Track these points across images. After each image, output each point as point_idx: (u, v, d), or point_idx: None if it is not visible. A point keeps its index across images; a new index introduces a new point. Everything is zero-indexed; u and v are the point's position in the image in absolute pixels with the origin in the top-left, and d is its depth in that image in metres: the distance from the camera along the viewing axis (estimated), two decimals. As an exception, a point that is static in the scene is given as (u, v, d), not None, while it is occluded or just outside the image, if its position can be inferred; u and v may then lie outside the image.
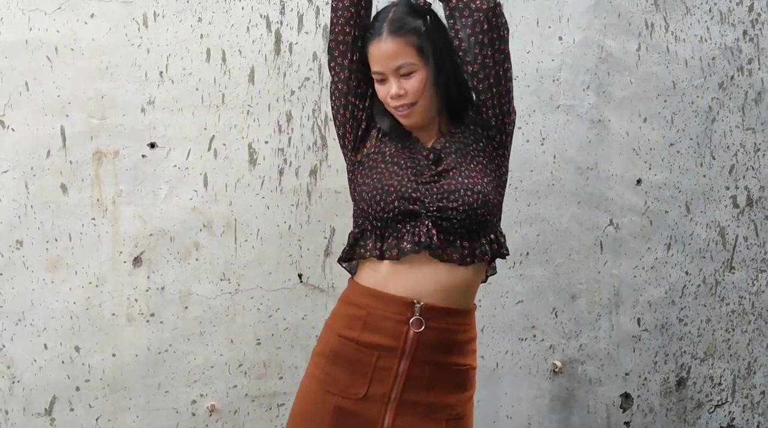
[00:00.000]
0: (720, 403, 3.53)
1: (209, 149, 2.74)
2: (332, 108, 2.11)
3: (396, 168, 2.03)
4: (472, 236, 2.01)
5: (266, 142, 2.79)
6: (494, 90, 2.03)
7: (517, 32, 3.06)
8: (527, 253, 3.15)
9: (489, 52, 2.00)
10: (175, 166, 2.70)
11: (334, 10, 2.06)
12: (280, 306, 2.84)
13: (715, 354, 3.49)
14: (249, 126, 2.77)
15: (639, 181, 3.30)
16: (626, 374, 3.33)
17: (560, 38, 3.14)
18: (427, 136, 2.09)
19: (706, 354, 3.47)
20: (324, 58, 2.81)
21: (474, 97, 2.09)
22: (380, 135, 2.10)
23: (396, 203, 1.98)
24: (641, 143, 3.29)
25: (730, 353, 3.52)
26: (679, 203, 3.38)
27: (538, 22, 3.11)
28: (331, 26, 2.07)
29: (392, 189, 1.99)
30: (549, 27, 3.13)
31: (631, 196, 3.29)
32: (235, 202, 2.77)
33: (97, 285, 2.65)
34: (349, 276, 2.16)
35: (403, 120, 2.04)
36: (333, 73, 2.09)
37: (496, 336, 3.13)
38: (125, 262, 2.68)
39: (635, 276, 3.33)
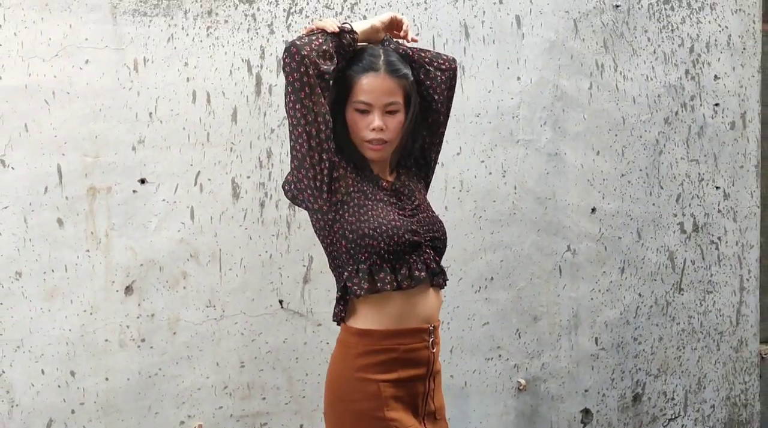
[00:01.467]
0: (673, 417, 3.68)
1: (195, 184, 2.85)
2: (298, 156, 2.11)
3: (382, 204, 2.13)
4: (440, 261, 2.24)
5: (248, 177, 2.91)
6: (442, 131, 2.32)
7: (479, 73, 3.23)
8: (491, 278, 3.29)
9: (449, 101, 2.30)
10: (164, 200, 2.81)
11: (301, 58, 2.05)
12: (262, 330, 2.95)
13: (667, 370, 3.65)
14: (232, 162, 2.89)
15: (594, 210, 3.46)
16: (586, 391, 3.47)
17: (518, 78, 3.30)
18: (383, 172, 2.23)
19: (659, 371, 3.63)
20: None
21: (426, 139, 2.32)
22: (352, 173, 2.15)
23: (406, 235, 2.10)
24: (595, 174, 3.46)
25: (682, 369, 3.68)
26: (631, 230, 3.54)
27: (497, 64, 3.27)
28: (295, 71, 2.07)
29: (398, 223, 2.10)
30: (508, 68, 3.29)
31: (587, 223, 3.45)
32: (220, 233, 2.88)
33: (91, 313, 2.75)
34: (340, 322, 2.21)
35: (373, 153, 2.14)
36: (300, 116, 2.09)
37: (463, 356, 3.26)
38: (117, 291, 2.77)
39: (592, 299, 3.48)
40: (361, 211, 2.10)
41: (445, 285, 2.24)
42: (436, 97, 2.25)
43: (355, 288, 2.09)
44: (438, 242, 2.20)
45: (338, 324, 2.23)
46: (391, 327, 2.10)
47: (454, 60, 2.33)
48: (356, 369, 2.11)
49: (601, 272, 3.49)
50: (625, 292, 3.55)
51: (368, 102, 2.12)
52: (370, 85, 2.12)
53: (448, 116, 2.34)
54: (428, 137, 2.33)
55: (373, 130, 2.11)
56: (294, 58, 2.03)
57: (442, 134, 2.35)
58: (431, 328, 2.17)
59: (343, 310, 2.18)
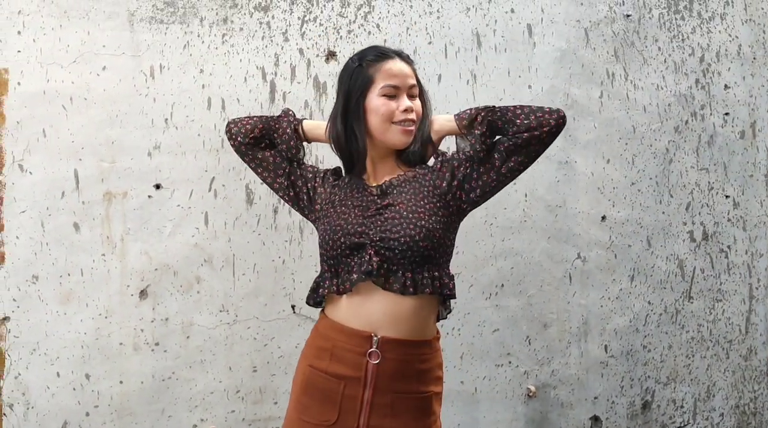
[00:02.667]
0: (682, 425, 3.67)
1: (210, 190, 2.87)
2: (276, 187, 2.26)
3: (344, 208, 2.12)
4: (414, 268, 2.03)
5: (262, 183, 2.80)
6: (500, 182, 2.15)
7: (490, 81, 3.25)
8: (502, 285, 3.29)
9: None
10: (179, 205, 2.84)
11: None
12: (274, 335, 2.96)
13: (677, 378, 3.63)
14: (246, 168, 2.86)
15: (604, 218, 3.46)
16: (595, 398, 3.46)
17: (530, 86, 3.31)
18: (383, 171, 2.16)
19: (668, 379, 3.62)
20: (314, 106, 2.99)
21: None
22: (327, 186, 2.19)
23: (343, 239, 2.05)
24: (605, 182, 3.45)
25: (691, 377, 3.67)
26: (641, 238, 3.53)
27: (509, 72, 3.28)
28: (231, 144, 2.29)
29: (339, 227, 2.07)
30: (519, 76, 3.30)
31: (597, 231, 3.44)
32: (234, 238, 2.90)
33: (106, 317, 2.77)
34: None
35: (404, 136, 2.08)
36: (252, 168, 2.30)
37: (474, 362, 3.26)
38: (132, 295, 2.80)
39: (602, 306, 3.47)
40: (324, 220, 2.14)
41: (408, 292, 2.03)
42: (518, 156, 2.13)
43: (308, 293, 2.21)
44: (390, 243, 2.02)
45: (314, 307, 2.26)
46: (337, 321, 2.07)
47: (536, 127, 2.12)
48: (305, 347, 2.18)
49: (611, 280, 3.49)
50: (634, 300, 3.55)
51: (396, 85, 2.09)
52: (396, 69, 2.10)
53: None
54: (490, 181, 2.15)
55: (405, 110, 2.08)
56: (227, 134, 2.28)
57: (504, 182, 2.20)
58: (375, 337, 2.03)
59: (321, 300, 2.20)
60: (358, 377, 2.03)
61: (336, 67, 3.03)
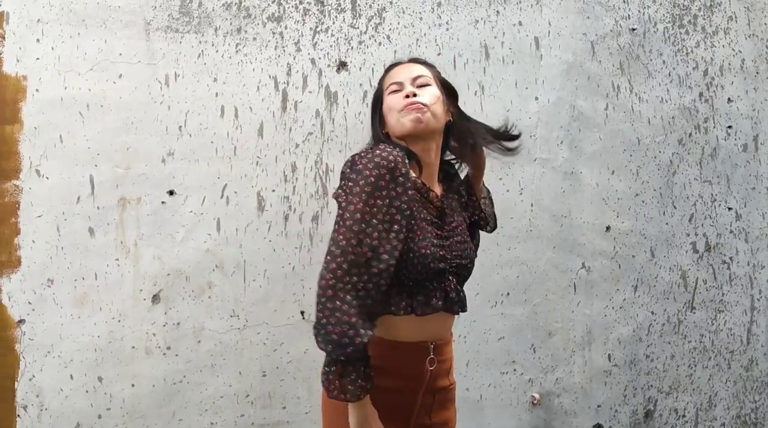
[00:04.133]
0: (684, 434, 3.66)
1: (222, 196, 2.88)
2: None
3: (423, 227, 2.01)
4: (463, 286, 2.14)
5: (273, 191, 2.94)
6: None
7: (498, 92, 3.26)
8: (508, 294, 3.29)
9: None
10: (191, 211, 2.85)
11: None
12: (284, 340, 2.96)
13: (679, 388, 3.62)
14: (258, 175, 2.92)
15: (608, 228, 3.46)
16: (598, 406, 3.46)
17: (536, 98, 3.33)
18: (431, 180, 2.11)
19: (671, 388, 3.61)
20: (326, 115, 3.00)
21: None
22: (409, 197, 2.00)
23: (431, 265, 1.99)
24: (610, 193, 3.45)
25: (693, 387, 3.66)
26: (644, 248, 3.53)
27: (516, 84, 3.30)
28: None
29: (426, 253, 1.97)
30: (526, 88, 3.31)
31: (601, 241, 3.45)
32: (245, 244, 2.91)
33: (119, 321, 2.78)
34: None
35: (412, 122, 2.01)
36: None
37: (479, 369, 3.26)
38: (145, 299, 2.81)
39: (606, 316, 3.47)
40: (410, 241, 1.98)
41: (462, 312, 2.11)
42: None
43: None
44: (463, 270, 2.10)
45: None
46: (394, 339, 2.01)
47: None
48: None
49: (615, 289, 3.49)
50: (638, 310, 3.54)
51: (399, 80, 2.09)
52: (399, 70, 2.13)
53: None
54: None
55: (407, 96, 2.04)
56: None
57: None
58: (431, 345, 2.05)
59: None
60: (418, 386, 2.04)
61: (347, 77, 3.05)
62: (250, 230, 2.92)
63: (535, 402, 3.35)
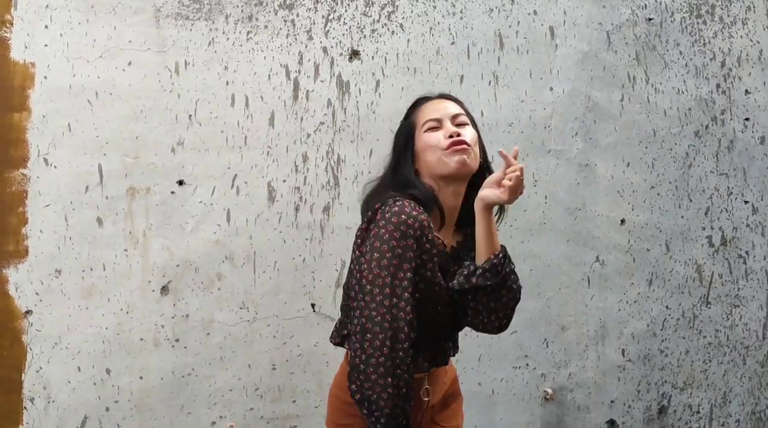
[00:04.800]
0: (698, 430, 3.64)
1: (232, 187, 2.86)
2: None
3: (436, 279, 1.99)
4: None
5: (284, 181, 2.92)
6: None
7: (512, 82, 3.24)
8: (521, 287, 3.25)
9: None
10: (201, 202, 2.83)
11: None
12: (294, 333, 2.95)
13: (693, 383, 3.61)
14: (269, 166, 2.90)
15: (623, 221, 3.44)
16: (612, 402, 3.44)
17: (551, 89, 3.30)
18: (446, 232, 2.09)
19: (685, 384, 3.59)
20: (338, 105, 2.98)
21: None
22: (420, 255, 1.98)
23: (432, 326, 2.03)
24: (625, 186, 3.44)
25: (708, 383, 3.65)
26: (659, 242, 3.51)
27: (531, 74, 3.27)
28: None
29: (435, 316, 2.01)
30: (541, 78, 3.29)
31: (616, 234, 3.43)
32: (255, 236, 2.89)
33: (127, 312, 2.76)
34: (340, 344, 2.16)
35: (458, 157, 1.98)
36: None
37: (492, 364, 3.24)
38: (153, 291, 2.79)
39: (620, 310, 3.45)
40: (422, 292, 1.98)
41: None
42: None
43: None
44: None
45: (338, 346, 2.17)
46: None
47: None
48: (342, 391, 2.09)
49: (629, 283, 3.47)
50: (652, 304, 3.52)
51: (436, 118, 2.05)
52: (432, 107, 2.08)
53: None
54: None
55: (450, 136, 2.00)
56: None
57: None
58: (426, 376, 2.09)
59: (349, 336, 2.05)
60: (416, 412, 2.06)
61: (359, 66, 3.03)
62: (260, 221, 2.91)
63: (548, 397, 3.34)
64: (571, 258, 3.36)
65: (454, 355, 2.21)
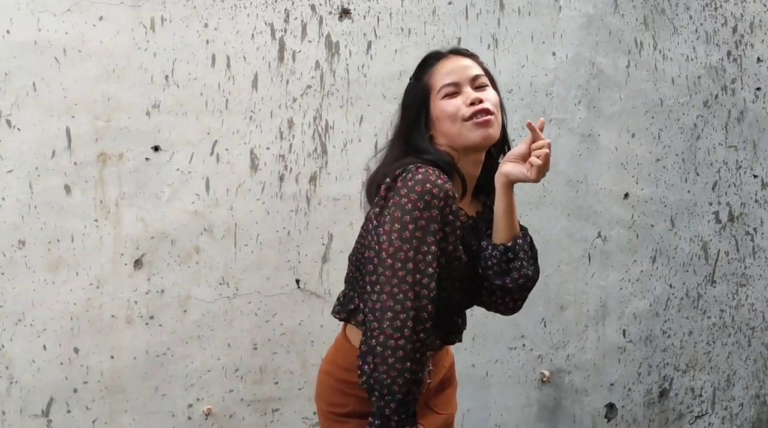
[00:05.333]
0: (700, 414, 3.56)
1: (212, 154, 2.73)
2: None
3: (457, 256, 1.89)
4: None
5: (268, 148, 2.78)
6: None
7: (512, 46, 3.09)
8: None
9: None
10: (178, 169, 2.69)
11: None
12: (277, 311, 2.82)
13: (696, 366, 3.52)
14: (251, 132, 2.76)
15: (626, 195, 3.32)
16: (611, 384, 3.35)
17: (554, 54, 3.17)
18: (466, 202, 1.98)
19: (687, 366, 3.50)
20: (326, 67, 2.83)
21: None
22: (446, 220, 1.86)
23: (453, 299, 1.95)
24: (629, 158, 3.32)
25: (711, 365, 3.56)
26: (664, 217, 3.40)
27: (532, 37, 3.13)
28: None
29: (456, 293, 1.94)
30: (543, 42, 3.15)
31: (619, 209, 3.31)
32: (236, 206, 2.76)
33: (97, 287, 2.63)
34: (347, 320, 2.02)
35: (482, 131, 1.86)
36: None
37: (486, 344, 3.13)
38: (126, 264, 2.65)
39: (621, 289, 3.34)
40: (445, 268, 1.88)
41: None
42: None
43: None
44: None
45: (343, 321, 2.03)
46: None
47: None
48: (339, 369, 2.00)
49: (632, 261, 3.36)
50: (655, 283, 3.41)
51: (454, 81, 1.89)
52: (449, 66, 1.92)
53: None
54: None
55: (472, 103, 1.86)
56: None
57: None
58: (430, 355, 1.98)
59: (356, 311, 1.96)
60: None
61: (350, 25, 2.87)
62: (242, 191, 2.77)
63: (545, 379, 3.24)
64: (571, 233, 3.24)
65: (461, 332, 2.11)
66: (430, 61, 1.97)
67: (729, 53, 3.49)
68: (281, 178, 2.81)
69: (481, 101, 1.86)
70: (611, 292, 3.33)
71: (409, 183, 1.76)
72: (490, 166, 1.97)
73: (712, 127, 3.47)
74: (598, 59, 3.24)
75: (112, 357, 2.66)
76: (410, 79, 2.00)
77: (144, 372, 2.69)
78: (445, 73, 1.91)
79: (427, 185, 1.76)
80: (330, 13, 2.85)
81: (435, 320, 1.82)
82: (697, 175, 3.46)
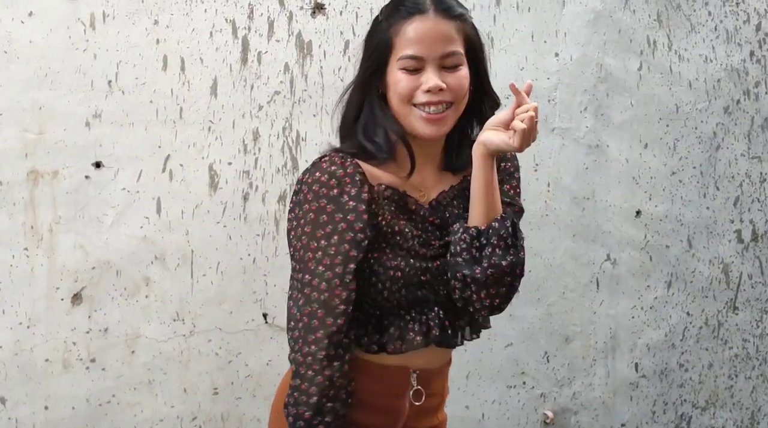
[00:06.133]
0: (721, 456, 3.45)
1: (164, 170, 2.55)
2: None
3: (399, 238, 1.72)
4: (470, 320, 1.82)
5: (229, 163, 2.62)
6: None
7: (510, 46, 2.98)
8: (518, 291, 2.94)
9: None
10: (124, 188, 2.51)
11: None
12: (241, 350, 2.65)
13: (717, 402, 3.40)
14: (210, 144, 2.60)
15: (638, 213, 3.22)
16: (623, 425, 3.21)
17: (556, 54, 3.06)
18: (429, 174, 1.80)
19: (707, 403, 3.38)
20: (297, 70, 2.67)
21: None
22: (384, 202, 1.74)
23: (403, 291, 1.70)
24: (641, 171, 3.22)
25: (733, 401, 3.43)
26: (680, 237, 3.29)
27: (533, 36, 3.02)
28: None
29: (397, 275, 1.70)
30: (545, 42, 3.03)
31: (630, 228, 3.20)
32: (193, 231, 2.60)
33: (28, 327, 2.42)
34: None
35: (429, 127, 1.70)
36: None
37: (482, 383, 2.97)
38: (62, 300, 2.46)
39: (633, 317, 3.22)
40: (375, 257, 1.70)
41: (466, 341, 1.84)
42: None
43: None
44: None
45: None
46: (364, 360, 1.74)
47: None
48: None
49: (645, 286, 3.23)
50: (671, 310, 3.28)
51: (417, 55, 1.67)
52: (418, 32, 1.67)
53: None
54: None
55: (428, 91, 1.66)
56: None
57: None
58: (415, 374, 1.77)
59: None
60: (394, 423, 1.79)
61: (324, 23, 2.72)
62: (199, 213, 2.60)
63: (548, 421, 3.08)
64: (577, 256, 3.12)
65: (471, 339, 1.86)
66: (404, 10, 1.71)
67: (752, 53, 3.38)
68: (245, 198, 2.64)
69: (441, 90, 1.66)
70: (622, 322, 3.21)
71: (309, 179, 1.68)
72: (465, 128, 1.80)
73: (733, 136, 3.35)
74: (606, 61, 3.14)
75: (46, 407, 2.45)
76: (378, 15, 1.78)
77: (84, 425, 2.49)
78: (412, 38, 1.67)
79: (317, 173, 1.67)
80: (301, 8, 2.70)
81: (398, 303, 1.69)
82: (717, 189, 3.34)
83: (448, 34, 1.68)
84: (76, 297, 2.48)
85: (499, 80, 2.81)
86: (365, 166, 1.67)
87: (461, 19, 1.71)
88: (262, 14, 2.62)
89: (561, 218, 3.07)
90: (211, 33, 2.57)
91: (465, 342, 1.81)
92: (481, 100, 1.77)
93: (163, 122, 2.54)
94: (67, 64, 2.43)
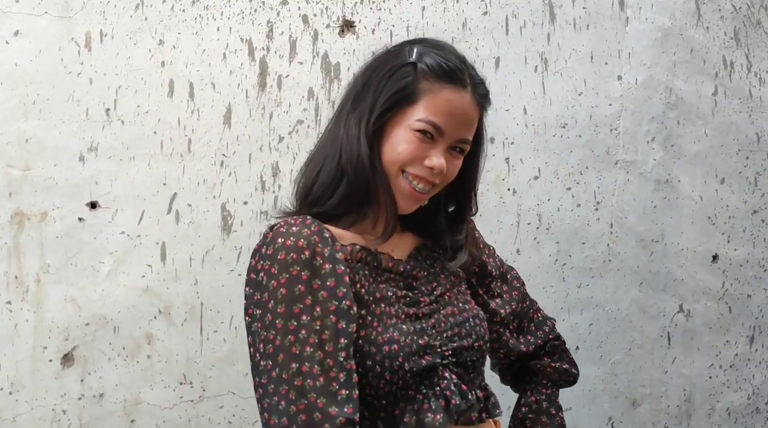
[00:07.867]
0: None
1: (169, 211, 2.42)
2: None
3: (383, 305, 1.60)
4: (481, 381, 1.70)
5: (245, 203, 2.49)
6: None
7: (566, 69, 2.90)
8: (577, 347, 2.85)
9: None
10: (123, 232, 2.36)
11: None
12: (257, 417, 2.34)
13: None
14: (223, 181, 2.47)
15: (715, 257, 3.11)
16: None
17: (619, 77, 2.97)
18: (393, 241, 1.72)
19: None
20: (322, 96, 2.52)
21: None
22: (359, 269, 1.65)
23: (406, 366, 1.54)
24: (718, 210, 3.11)
25: None
26: (764, 285, 3.17)
27: (592, 58, 2.93)
28: None
29: (395, 347, 1.56)
30: (606, 63, 2.93)
31: (706, 275, 3.09)
32: (202, 280, 2.45)
33: (11, 392, 2.24)
34: None
35: (410, 203, 1.66)
36: None
37: None
38: (51, 361, 2.29)
39: (710, 377, 3.08)
40: (364, 337, 1.56)
41: (493, 415, 1.70)
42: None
43: None
44: (470, 353, 1.67)
45: None
46: None
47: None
48: None
49: (724, 341, 3.09)
50: (754, 369, 3.13)
51: (442, 127, 1.61)
52: (453, 106, 1.62)
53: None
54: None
55: (430, 168, 1.62)
56: None
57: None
58: None
59: None
60: None
61: (354, 43, 2.59)
62: (210, 259, 2.46)
63: None
64: (645, 308, 2.98)
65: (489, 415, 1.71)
66: (446, 72, 1.62)
67: (843, 75, 3.23)
68: (263, 242, 2.40)
69: (441, 173, 1.64)
70: (698, 382, 3.07)
71: (268, 251, 1.55)
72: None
73: (823, 170, 3.19)
74: (676, 84, 3.05)
75: (31, 486, 2.28)
76: (409, 50, 1.68)
77: None
78: (443, 108, 1.60)
79: (280, 241, 1.54)
80: (327, 26, 2.58)
81: (384, 411, 1.55)
82: (805, 230, 3.16)
83: (473, 121, 1.67)
84: (67, 358, 2.32)
85: (554, 109, 2.75)
86: (328, 226, 1.58)
87: (484, 110, 1.71)
88: (282, 33, 2.50)
89: (626, 264, 2.96)
90: (224, 54, 2.46)
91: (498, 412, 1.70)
92: (462, 187, 1.75)
93: (169, 156, 2.41)
94: (59, 90, 2.31)
